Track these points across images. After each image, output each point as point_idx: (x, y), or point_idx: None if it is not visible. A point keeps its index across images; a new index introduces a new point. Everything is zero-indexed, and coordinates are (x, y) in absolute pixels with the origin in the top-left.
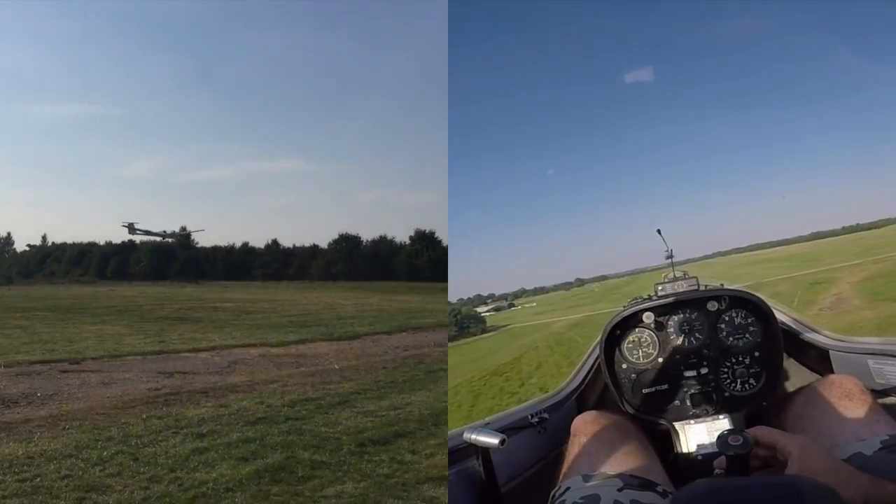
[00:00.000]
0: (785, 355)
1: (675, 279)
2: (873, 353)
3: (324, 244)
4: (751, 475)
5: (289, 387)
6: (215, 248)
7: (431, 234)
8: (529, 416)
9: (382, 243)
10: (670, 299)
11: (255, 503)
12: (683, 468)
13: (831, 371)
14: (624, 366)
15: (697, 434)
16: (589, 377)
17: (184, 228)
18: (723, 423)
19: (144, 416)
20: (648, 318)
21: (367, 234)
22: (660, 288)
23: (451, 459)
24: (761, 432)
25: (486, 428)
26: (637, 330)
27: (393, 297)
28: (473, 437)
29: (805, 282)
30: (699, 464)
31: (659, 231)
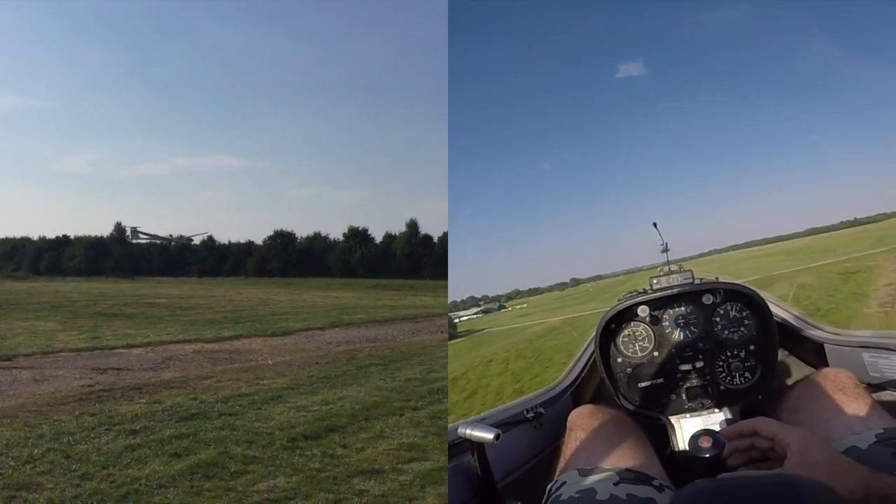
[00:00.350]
0: (780, 349)
1: (671, 272)
2: (867, 347)
3: (259, 241)
4: (750, 467)
5: (222, 382)
6: (151, 244)
7: (364, 231)
8: (525, 411)
9: (316, 240)
10: (665, 293)
11: (187, 499)
12: (680, 462)
13: (826, 364)
14: (619, 360)
15: (693, 428)
16: (584, 372)
17: (119, 225)
18: (718, 417)
19: (77, 413)
20: (643, 311)
21: (302, 230)
22: (655, 282)
23: (448, 454)
24: (762, 424)
25: (481, 423)
26: (632, 324)
27: (326, 293)
28: (468, 431)
29: (832, 272)
30: (695, 458)
31: (655, 224)
